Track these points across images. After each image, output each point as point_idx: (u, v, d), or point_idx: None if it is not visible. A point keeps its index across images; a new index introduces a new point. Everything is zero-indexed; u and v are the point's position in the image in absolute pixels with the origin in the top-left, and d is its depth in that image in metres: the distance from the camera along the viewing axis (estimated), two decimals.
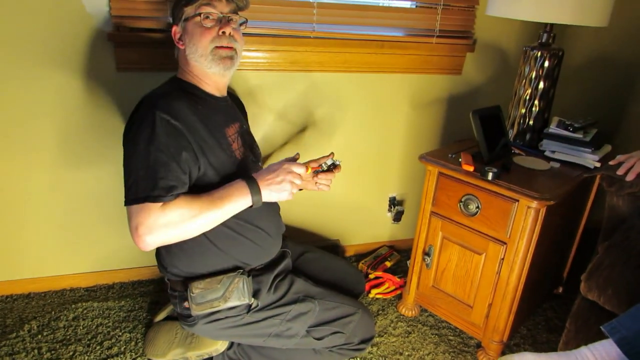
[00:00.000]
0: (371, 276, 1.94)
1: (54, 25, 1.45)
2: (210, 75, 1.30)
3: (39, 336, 1.53)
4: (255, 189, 1.22)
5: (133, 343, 1.53)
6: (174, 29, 1.30)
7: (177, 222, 1.15)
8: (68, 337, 1.54)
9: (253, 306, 1.35)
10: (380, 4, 1.83)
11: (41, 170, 1.61)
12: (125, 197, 1.15)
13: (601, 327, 1.07)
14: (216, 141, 1.27)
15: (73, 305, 1.67)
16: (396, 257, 2.08)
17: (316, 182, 1.44)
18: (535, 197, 1.32)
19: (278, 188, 1.23)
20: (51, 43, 1.47)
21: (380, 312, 1.79)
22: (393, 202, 2.11)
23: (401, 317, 1.76)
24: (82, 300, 1.71)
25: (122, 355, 1.48)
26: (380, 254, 2.10)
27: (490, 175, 1.39)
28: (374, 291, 1.87)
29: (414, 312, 1.77)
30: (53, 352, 1.47)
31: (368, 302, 1.83)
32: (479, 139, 1.51)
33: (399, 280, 1.90)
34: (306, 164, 1.32)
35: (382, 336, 1.67)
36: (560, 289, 1.84)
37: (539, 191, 1.33)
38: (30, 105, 1.52)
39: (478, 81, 2.02)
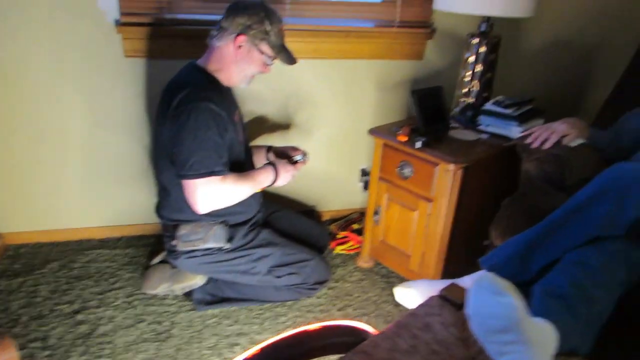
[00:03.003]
0: (338, 236, 2.25)
1: (77, 19, 1.80)
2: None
3: (58, 273, 1.91)
4: (276, 173, 1.69)
5: (132, 280, 1.90)
6: (243, 38, 1.53)
7: (231, 192, 1.57)
8: (81, 274, 1.92)
9: (224, 248, 1.69)
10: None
11: (75, 128, 1.96)
12: (186, 172, 1.49)
13: (479, 260, 1.35)
14: (232, 126, 1.62)
15: (87, 252, 2.05)
16: (364, 222, 2.38)
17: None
18: (451, 161, 1.61)
19: (285, 175, 1.71)
20: (75, 32, 1.82)
21: (342, 264, 2.10)
22: (364, 173, 2.41)
23: (358, 268, 2.07)
24: (95, 248, 2.09)
25: (122, 289, 1.85)
26: (350, 218, 2.41)
27: (417, 144, 1.68)
28: (338, 248, 2.18)
29: (369, 264, 2.08)
30: (68, 284, 1.85)
31: (333, 256, 2.14)
32: (416, 114, 1.79)
33: (361, 239, 2.20)
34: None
35: (339, 282, 1.98)
36: (485, 242, 2.10)
37: (454, 156, 1.61)
38: (64, 75, 1.89)
39: (438, 65, 2.28)
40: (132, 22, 1.84)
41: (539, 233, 1.26)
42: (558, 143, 1.60)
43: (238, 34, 1.53)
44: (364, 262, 2.07)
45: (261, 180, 1.67)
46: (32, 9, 1.75)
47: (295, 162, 1.81)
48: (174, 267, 1.79)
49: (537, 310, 1.04)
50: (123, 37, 1.87)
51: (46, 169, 2.01)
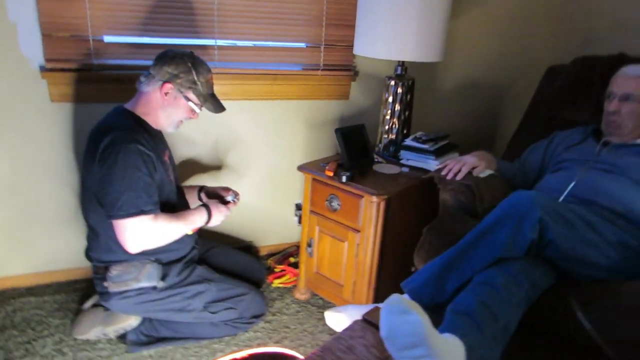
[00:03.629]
0: (276, 269, 2.31)
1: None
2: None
3: None
4: (209, 213, 1.75)
5: (62, 327, 1.85)
6: (169, 86, 1.59)
7: (162, 231, 1.60)
8: (5, 324, 1.84)
9: (159, 286, 1.70)
10: (275, 45, 2.23)
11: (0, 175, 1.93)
12: (116, 212, 1.51)
13: (400, 284, 1.46)
14: (162, 166, 1.65)
15: (12, 300, 1.98)
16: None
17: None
18: (374, 193, 1.72)
19: (218, 217, 1.78)
20: (1, 80, 1.83)
21: (279, 297, 2.14)
22: (298, 207, 2.50)
23: (295, 300, 2.12)
24: (21, 296, 2.02)
25: (51, 336, 1.80)
26: (287, 252, 2.47)
27: (343, 178, 1.79)
28: (276, 281, 2.23)
29: (306, 296, 2.14)
30: None
31: (271, 290, 2.19)
32: (340, 150, 1.91)
33: (297, 272, 2.27)
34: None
35: (276, 315, 2.02)
36: (413, 269, 2.23)
37: (377, 189, 1.74)
38: None
39: (363, 104, 2.44)
40: (57, 67, 1.87)
41: (452, 256, 1.38)
42: (470, 174, 1.76)
43: (165, 82, 1.59)
44: (301, 294, 2.13)
45: (194, 221, 1.71)
46: None
47: (227, 203, 1.88)
48: (106, 309, 1.77)
49: (446, 327, 1.15)
50: (49, 82, 1.89)
51: None
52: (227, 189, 1.95)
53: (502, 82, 2.65)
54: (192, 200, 1.93)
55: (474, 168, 1.76)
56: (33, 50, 1.83)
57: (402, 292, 1.49)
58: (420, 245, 1.70)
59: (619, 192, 1.52)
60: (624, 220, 1.46)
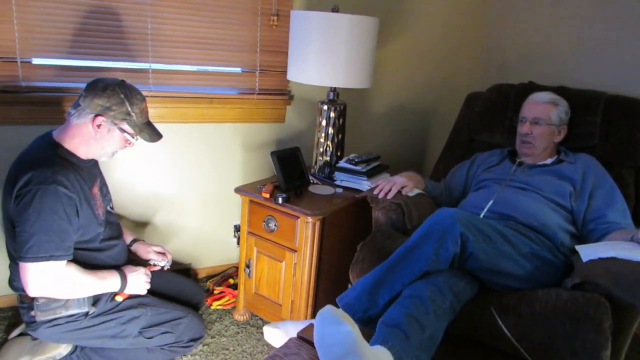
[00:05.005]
0: (215, 291, 2.30)
1: None
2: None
3: None
4: (124, 282, 1.67)
5: None
6: (102, 118, 1.52)
7: (69, 282, 1.53)
8: None
9: (90, 312, 1.66)
10: (211, 70, 2.27)
11: None
12: (23, 255, 1.43)
13: (336, 299, 1.52)
14: (89, 203, 1.60)
15: None
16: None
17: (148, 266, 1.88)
18: (309, 214, 1.79)
19: (137, 285, 1.71)
20: None
21: (218, 319, 2.14)
22: (237, 229, 2.51)
23: (234, 322, 2.13)
24: None
25: None
26: (226, 274, 2.48)
27: (279, 200, 1.84)
28: (215, 303, 2.23)
29: (245, 317, 2.15)
30: None
31: (210, 312, 2.18)
32: (276, 172, 1.96)
33: (236, 293, 2.28)
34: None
35: (215, 337, 2.02)
36: (350, 284, 2.32)
37: (312, 209, 1.80)
38: None
39: (298, 127, 2.52)
40: None
41: (382, 271, 1.47)
42: (399, 193, 1.87)
43: (97, 115, 1.54)
44: (240, 315, 2.14)
45: (106, 285, 1.64)
46: None
47: (157, 267, 1.89)
48: (34, 338, 1.71)
49: (377, 339, 1.22)
50: None
51: None
52: (163, 253, 1.94)
53: (428, 106, 2.83)
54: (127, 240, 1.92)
55: (403, 187, 1.87)
56: None
57: (337, 307, 1.56)
58: (354, 261, 1.77)
59: (533, 208, 1.68)
60: (537, 234, 1.61)
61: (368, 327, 1.41)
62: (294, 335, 1.46)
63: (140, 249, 1.93)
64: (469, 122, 2.28)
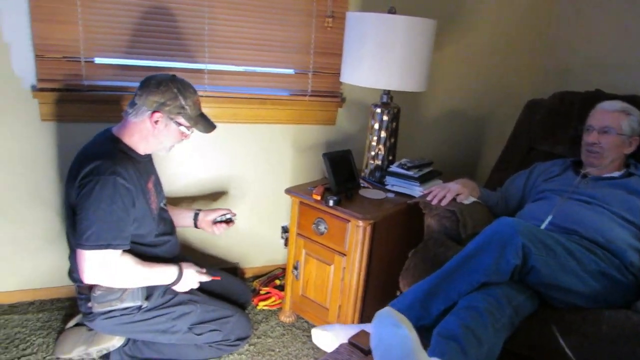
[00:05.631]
0: (261, 292, 2.31)
1: None
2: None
3: None
4: (180, 276, 1.70)
5: (45, 346, 1.83)
6: (158, 115, 1.57)
7: (123, 271, 1.57)
8: None
9: (143, 306, 1.70)
10: (264, 71, 2.28)
11: None
12: (82, 242, 1.49)
13: (388, 305, 1.48)
14: (142, 197, 1.65)
15: None
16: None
17: (213, 229, 1.92)
18: (360, 218, 1.76)
19: (189, 282, 1.74)
20: None
21: (264, 320, 2.15)
22: (284, 230, 2.52)
23: (280, 323, 2.13)
24: (4, 313, 2.00)
25: (34, 355, 1.78)
26: (273, 274, 2.48)
27: (330, 202, 1.83)
28: (261, 303, 2.23)
29: (291, 319, 2.14)
30: None
31: (256, 312, 2.19)
32: (328, 175, 1.95)
33: (283, 294, 2.28)
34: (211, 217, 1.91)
35: (261, 337, 2.02)
36: (398, 292, 2.27)
37: (363, 213, 1.78)
38: None
39: (349, 130, 2.50)
40: (48, 87, 1.89)
41: (437, 280, 1.42)
42: (454, 201, 1.82)
43: (154, 111, 1.59)
44: (286, 317, 2.14)
45: (161, 277, 1.68)
46: None
47: (226, 221, 1.91)
48: (90, 329, 1.76)
49: (433, 351, 1.18)
50: (40, 102, 1.90)
51: None
52: (225, 210, 1.96)
53: (483, 112, 2.75)
54: (184, 222, 1.95)
55: (458, 195, 1.82)
56: (25, 70, 1.85)
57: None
58: (405, 268, 1.73)
59: (598, 224, 1.58)
60: (603, 250, 1.51)
61: (420, 337, 1.37)
62: (343, 340, 1.43)
63: (208, 214, 1.96)
64: (528, 130, 2.19)
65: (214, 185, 2.31)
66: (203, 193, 2.30)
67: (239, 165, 2.32)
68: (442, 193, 1.82)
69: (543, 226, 1.63)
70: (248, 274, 2.52)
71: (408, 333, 1.01)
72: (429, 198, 1.84)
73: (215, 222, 1.97)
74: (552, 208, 1.68)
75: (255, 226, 2.46)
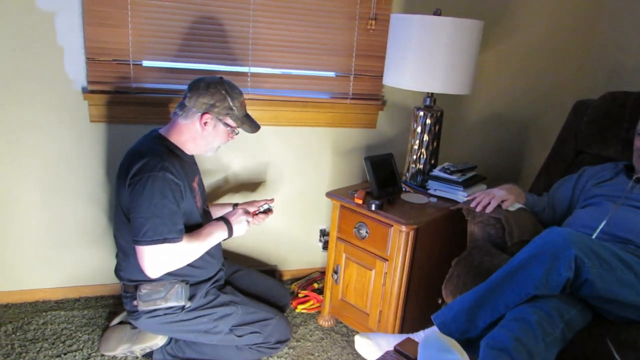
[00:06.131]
0: (300, 295, 2.31)
1: (44, 87, 1.89)
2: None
3: (13, 336, 1.87)
4: (229, 225, 1.74)
5: (90, 342, 1.88)
6: (208, 116, 1.61)
7: (183, 255, 1.62)
8: (37, 337, 1.88)
9: (186, 307, 1.72)
10: (306, 74, 2.28)
11: (34, 192, 2.00)
12: (140, 239, 1.53)
13: (431, 317, 1.46)
14: (191, 193, 1.69)
15: (43, 313, 2.02)
16: (324, 281, 2.46)
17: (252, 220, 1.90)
18: (404, 222, 1.74)
19: (239, 223, 1.75)
20: (44, 100, 1.90)
21: (303, 323, 2.14)
22: (323, 233, 2.51)
23: (319, 327, 2.12)
24: (51, 309, 2.06)
25: (80, 351, 1.83)
26: (311, 277, 2.48)
27: (372, 207, 1.81)
28: (300, 307, 2.23)
29: (330, 323, 2.14)
30: (23, 347, 1.81)
31: (294, 315, 2.19)
32: (369, 178, 1.93)
33: (322, 298, 2.27)
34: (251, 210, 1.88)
35: (300, 341, 2.02)
36: (440, 300, 2.23)
37: (407, 218, 1.75)
38: (27, 142, 1.93)
39: (389, 133, 2.47)
40: (98, 89, 1.94)
41: (483, 292, 1.38)
42: (499, 207, 1.77)
43: (203, 113, 1.62)
44: (325, 321, 2.13)
45: (216, 236, 1.71)
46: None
47: (264, 212, 1.90)
48: (133, 327, 1.80)
49: None
50: (89, 103, 1.95)
51: (1, 231, 2.01)
52: (262, 202, 1.95)
53: (527, 115, 2.68)
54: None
55: (503, 201, 1.77)
56: (77, 72, 1.91)
57: (430, 324, 1.50)
58: (448, 277, 1.70)
59: None
60: None
61: (465, 349, 1.33)
62: (387, 348, 1.42)
63: (246, 206, 1.95)
64: (576, 132, 2.12)
65: (253, 187, 2.32)
66: (243, 194, 2.31)
67: (278, 167, 2.33)
68: (487, 199, 1.77)
69: (595, 235, 1.57)
70: (286, 277, 2.53)
71: (460, 358, 0.98)
72: (472, 205, 1.80)
73: (255, 214, 1.94)
74: (603, 215, 1.61)
75: (294, 229, 2.46)
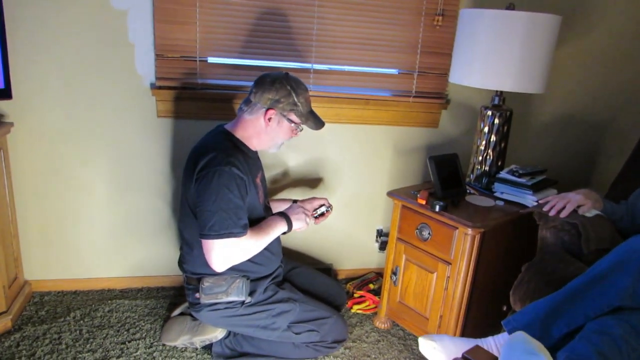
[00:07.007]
0: (355, 295, 2.28)
1: (116, 83, 1.95)
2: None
3: (81, 321, 1.95)
4: (289, 220, 1.75)
5: (152, 332, 1.93)
6: (272, 112, 1.62)
7: (247, 249, 1.63)
8: (103, 323, 1.95)
9: (246, 302, 1.73)
10: (368, 71, 2.24)
11: (103, 185, 2.08)
12: (207, 232, 1.55)
13: (502, 322, 1.39)
14: (254, 189, 1.71)
15: (109, 301, 2.09)
16: (380, 282, 2.41)
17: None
18: (470, 225, 1.67)
19: (298, 220, 1.76)
20: (114, 95, 1.97)
21: (359, 324, 2.11)
22: (380, 233, 2.47)
23: (375, 329, 2.08)
24: (116, 298, 2.13)
25: (142, 340, 1.87)
26: (367, 278, 2.44)
27: (436, 208, 1.75)
28: (355, 307, 2.20)
29: (386, 325, 2.09)
30: (90, 333, 1.88)
31: (350, 315, 2.16)
32: (433, 179, 1.87)
33: (378, 299, 2.23)
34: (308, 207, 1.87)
35: (356, 342, 1.99)
36: (505, 307, 2.12)
37: (473, 221, 1.68)
38: (95, 140, 2.01)
39: (453, 133, 2.39)
40: (166, 85, 1.99)
41: (560, 300, 1.30)
42: (574, 213, 1.67)
43: (268, 109, 1.62)
44: (381, 323, 2.09)
45: (276, 230, 1.72)
46: (73, 73, 1.91)
47: (320, 214, 1.88)
48: (193, 319, 1.82)
49: None
50: (157, 99, 2.00)
51: (72, 221, 2.10)
52: (320, 199, 1.93)
53: (603, 117, 2.51)
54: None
55: (579, 206, 1.66)
56: (147, 69, 1.96)
57: (496, 329, 1.43)
58: (518, 282, 1.61)
59: None
60: None
61: None
62: (453, 351, 1.36)
63: (305, 203, 1.93)
64: None
65: (312, 184, 2.31)
66: (301, 190, 2.31)
67: (337, 165, 2.31)
68: (562, 203, 1.67)
69: None
70: (341, 276, 2.50)
71: None
72: (546, 208, 1.70)
73: (314, 217, 1.92)
74: None
75: (351, 228, 2.43)
